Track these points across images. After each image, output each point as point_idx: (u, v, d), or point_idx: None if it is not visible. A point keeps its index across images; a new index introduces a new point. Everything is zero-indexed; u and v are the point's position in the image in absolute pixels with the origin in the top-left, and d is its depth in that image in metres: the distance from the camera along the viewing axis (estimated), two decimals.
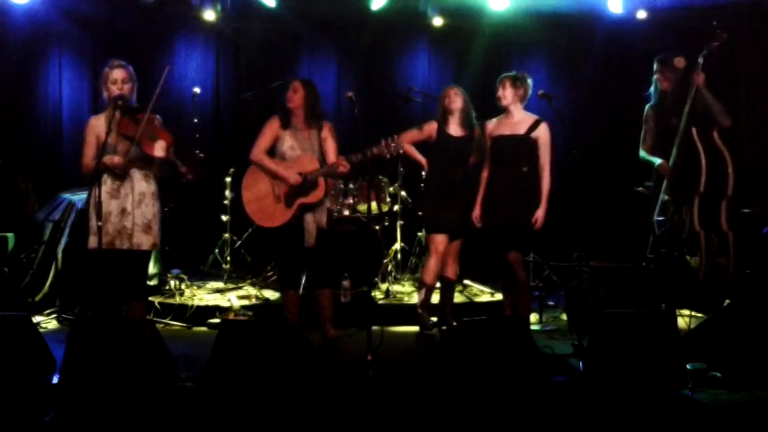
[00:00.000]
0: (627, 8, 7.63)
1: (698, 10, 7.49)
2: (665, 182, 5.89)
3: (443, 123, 5.72)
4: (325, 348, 5.20)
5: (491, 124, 5.61)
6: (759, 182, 7.17)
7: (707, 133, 5.85)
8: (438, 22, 8.03)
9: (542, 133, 5.46)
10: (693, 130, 5.82)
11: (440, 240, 5.69)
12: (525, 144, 5.44)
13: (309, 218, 5.22)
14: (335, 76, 8.32)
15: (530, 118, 5.51)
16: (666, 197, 5.87)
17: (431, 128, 5.75)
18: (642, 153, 6.12)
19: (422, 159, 5.88)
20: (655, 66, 6.10)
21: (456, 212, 5.65)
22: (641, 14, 7.66)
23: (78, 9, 7.84)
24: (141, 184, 4.87)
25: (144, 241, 4.85)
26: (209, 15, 7.81)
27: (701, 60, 5.70)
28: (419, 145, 5.86)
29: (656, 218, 5.94)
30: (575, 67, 8.09)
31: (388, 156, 5.05)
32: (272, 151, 5.30)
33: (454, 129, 5.71)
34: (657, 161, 5.98)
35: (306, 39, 8.41)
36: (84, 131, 4.90)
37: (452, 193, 5.67)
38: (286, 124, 5.27)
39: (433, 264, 5.71)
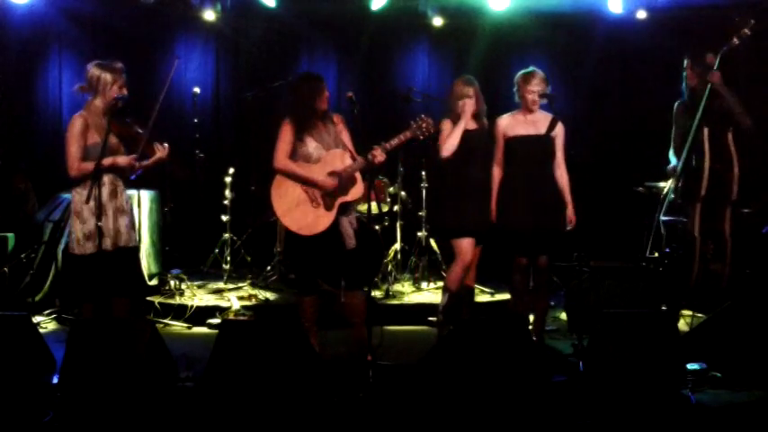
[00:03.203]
0: (627, 8, 7.63)
1: (698, 10, 7.49)
2: (670, 182, 5.78)
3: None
4: (325, 348, 5.19)
5: (503, 121, 5.29)
6: (759, 182, 7.17)
7: (720, 135, 5.57)
8: (438, 22, 8.04)
9: (560, 131, 5.24)
10: (705, 131, 5.54)
11: (467, 244, 5.17)
12: (549, 144, 5.20)
13: (344, 220, 4.98)
14: (335, 76, 8.30)
15: (546, 116, 5.24)
16: (673, 198, 5.71)
17: (447, 126, 5.21)
18: (670, 153, 5.80)
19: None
20: (685, 61, 5.73)
21: (481, 213, 5.22)
22: (641, 14, 7.66)
23: (78, 9, 7.85)
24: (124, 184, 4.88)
25: (133, 238, 4.87)
26: (209, 15, 7.82)
27: (718, 58, 5.42)
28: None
29: (662, 217, 5.86)
30: (575, 67, 8.08)
31: (422, 137, 4.78)
32: (294, 155, 5.00)
33: (468, 122, 5.27)
34: (673, 162, 5.72)
35: (306, 39, 8.40)
36: (69, 132, 4.63)
37: (474, 191, 5.22)
38: (302, 125, 4.97)
39: (459, 271, 5.20)
